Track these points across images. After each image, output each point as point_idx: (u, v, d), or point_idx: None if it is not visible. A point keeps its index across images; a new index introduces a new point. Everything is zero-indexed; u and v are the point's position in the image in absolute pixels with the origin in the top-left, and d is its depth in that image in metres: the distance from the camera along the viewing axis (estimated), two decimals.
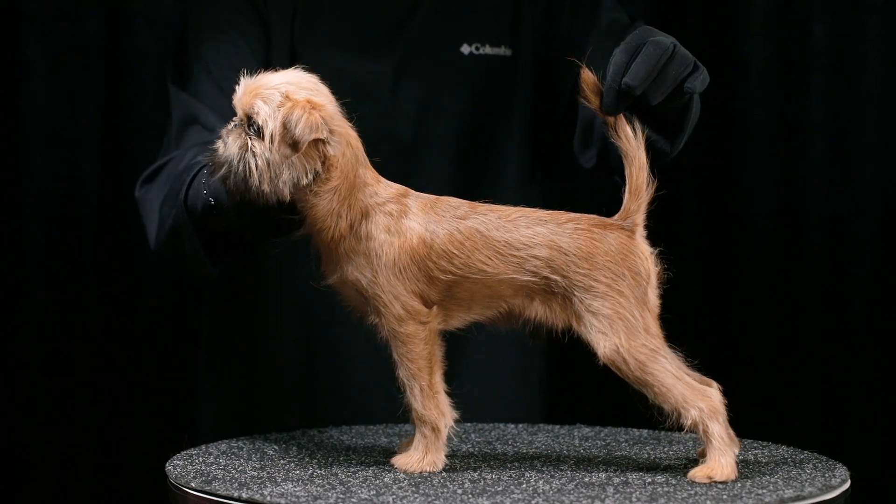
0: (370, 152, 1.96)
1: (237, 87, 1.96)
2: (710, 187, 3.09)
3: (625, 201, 1.94)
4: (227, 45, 2.47)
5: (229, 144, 1.91)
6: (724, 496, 1.78)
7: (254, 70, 2.40)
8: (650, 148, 1.96)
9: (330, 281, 1.95)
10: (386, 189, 1.93)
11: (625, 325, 1.90)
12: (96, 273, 3.16)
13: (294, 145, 1.86)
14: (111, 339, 3.16)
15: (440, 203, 1.94)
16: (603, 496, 1.77)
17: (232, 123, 1.94)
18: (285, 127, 1.86)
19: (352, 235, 1.91)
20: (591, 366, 2.06)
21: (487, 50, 2.57)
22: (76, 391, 3.15)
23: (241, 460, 2.00)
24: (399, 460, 1.94)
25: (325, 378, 2.57)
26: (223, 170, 1.91)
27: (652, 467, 1.98)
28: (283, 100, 1.88)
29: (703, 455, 1.97)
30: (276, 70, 1.94)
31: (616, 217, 1.94)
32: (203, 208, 2.12)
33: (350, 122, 1.94)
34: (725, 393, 1.99)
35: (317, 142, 1.88)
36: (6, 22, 3.08)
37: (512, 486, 1.83)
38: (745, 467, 1.96)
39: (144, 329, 3.18)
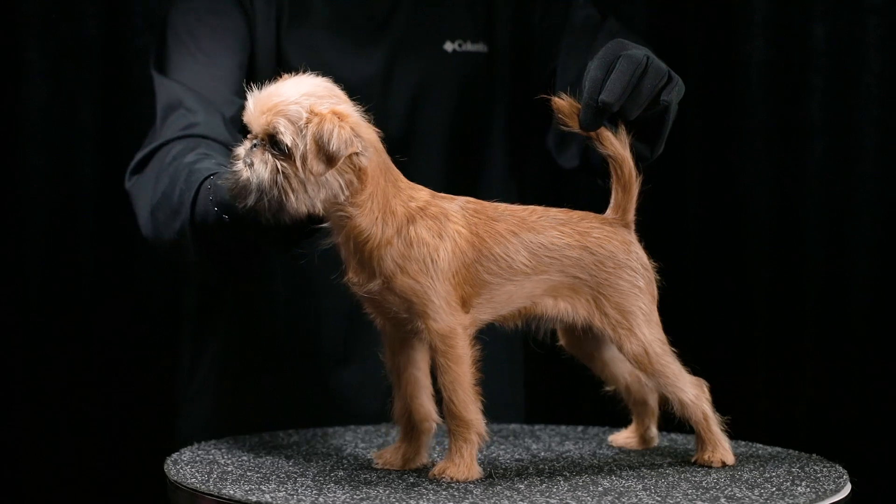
0: None
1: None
2: (710, 188, 3.09)
3: (618, 199, 1.98)
4: (213, 31, 2.45)
5: (257, 169, 1.81)
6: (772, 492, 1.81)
7: (237, 56, 2.40)
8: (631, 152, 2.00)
9: (368, 287, 1.88)
10: (417, 191, 1.90)
11: (645, 320, 1.96)
12: (95, 273, 3.16)
13: (329, 162, 1.79)
14: (110, 338, 3.16)
15: (469, 204, 1.92)
16: (673, 493, 1.79)
17: (249, 143, 1.84)
18: (317, 145, 1.79)
19: (400, 241, 1.86)
20: (570, 367, 2.10)
21: (469, 47, 2.58)
22: (74, 391, 3.15)
23: (235, 466, 1.99)
24: (449, 470, 1.87)
25: (321, 378, 2.58)
26: (253, 196, 1.81)
27: (634, 465, 2.00)
28: (310, 115, 1.80)
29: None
30: (279, 77, 1.87)
31: (613, 214, 1.98)
32: (214, 223, 2.03)
33: None
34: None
35: (349, 154, 1.81)
36: (6, 22, 3.08)
37: (562, 482, 1.85)
38: (748, 468, 1.97)
39: (144, 329, 3.18)
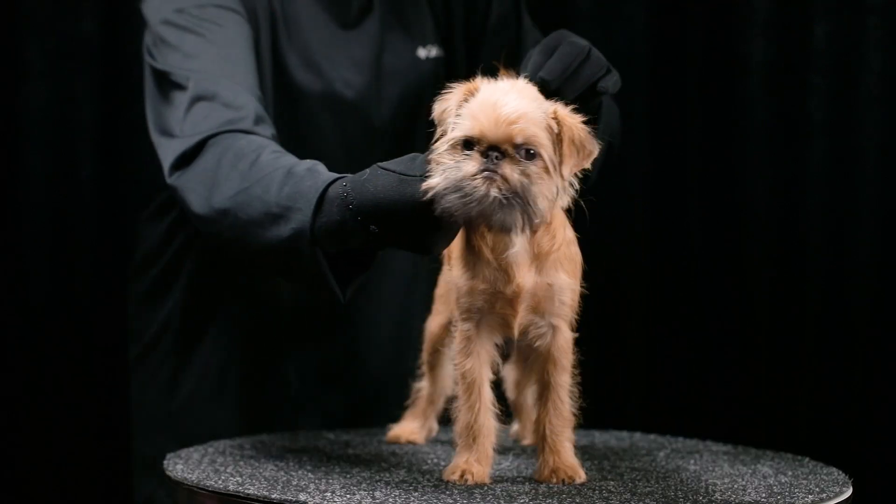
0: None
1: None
2: (710, 188, 3.09)
3: None
4: (225, 29, 2.37)
5: (518, 181, 1.72)
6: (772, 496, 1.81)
7: (250, 53, 2.37)
8: None
9: (537, 291, 1.85)
10: None
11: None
12: (95, 274, 3.16)
13: (582, 163, 1.77)
14: (110, 339, 3.16)
15: None
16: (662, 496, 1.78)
17: (480, 156, 1.74)
18: (571, 148, 1.75)
19: (564, 243, 1.86)
20: None
21: (435, 52, 2.60)
22: (74, 392, 3.15)
23: (237, 465, 1.99)
24: (580, 472, 1.87)
25: (337, 375, 2.59)
26: (517, 211, 1.73)
27: (615, 470, 2.00)
28: (559, 120, 1.76)
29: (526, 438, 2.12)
30: (479, 82, 1.81)
31: None
32: (352, 232, 1.89)
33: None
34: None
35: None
36: (5, 22, 3.08)
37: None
38: (748, 471, 1.97)
39: None
